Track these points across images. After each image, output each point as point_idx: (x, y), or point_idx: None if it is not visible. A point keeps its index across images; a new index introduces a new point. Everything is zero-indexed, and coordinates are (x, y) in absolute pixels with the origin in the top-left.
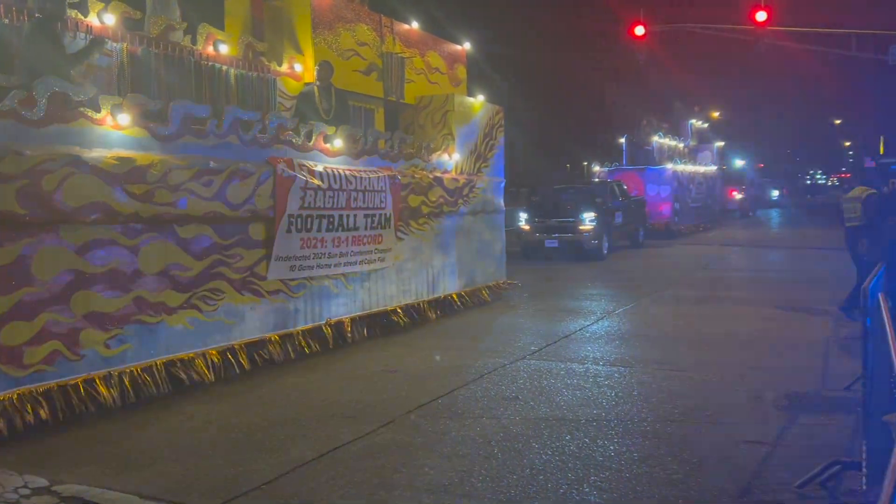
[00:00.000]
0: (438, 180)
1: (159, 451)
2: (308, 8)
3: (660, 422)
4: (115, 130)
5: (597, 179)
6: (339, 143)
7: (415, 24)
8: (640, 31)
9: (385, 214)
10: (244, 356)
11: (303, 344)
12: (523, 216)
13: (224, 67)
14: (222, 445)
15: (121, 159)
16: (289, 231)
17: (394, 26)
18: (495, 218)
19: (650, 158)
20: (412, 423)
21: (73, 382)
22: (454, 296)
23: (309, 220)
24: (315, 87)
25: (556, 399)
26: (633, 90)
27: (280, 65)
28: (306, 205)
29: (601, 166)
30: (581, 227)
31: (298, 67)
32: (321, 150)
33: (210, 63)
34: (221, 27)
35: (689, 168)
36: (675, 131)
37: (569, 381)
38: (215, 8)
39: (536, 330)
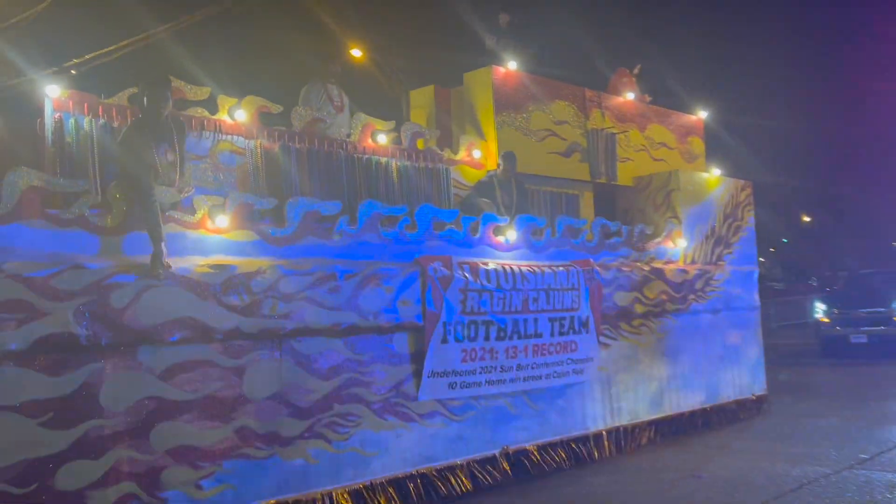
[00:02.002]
0: (658, 272)
1: None
2: (489, 90)
3: None
4: (214, 235)
5: None
6: (513, 235)
7: (630, 96)
8: None
9: (580, 317)
10: (393, 494)
11: (479, 476)
12: (821, 307)
13: (384, 160)
14: None
15: (217, 267)
16: (445, 341)
17: (602, 100)
18: (745, 316)
19: None
20: None
21: None
22: (687, 414)
23: (472, 327)
24: (494, 179)
25: None
26: None
27: (456, 152)
28: (468, 309)
29: None
30: None
31: (478, 154)
32: (491, 245)
33: (366, 156)
34: (407, 118)
35: None
36: None
37: None
38: (399, 102)
39: (861, 435)
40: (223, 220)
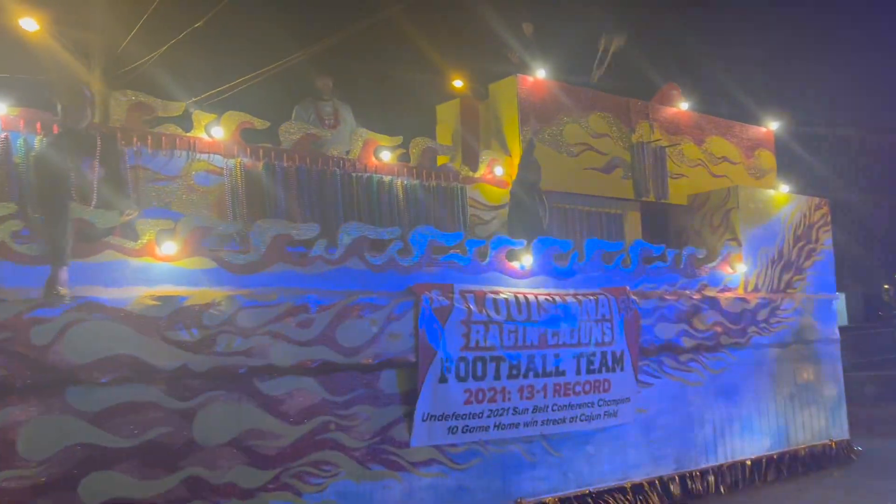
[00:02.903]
0: (710, 302)
1: None
2: (514, 100)
3: None
4: (162, 263)
5: None
6: (530, 260)
7: (684, 106)
8: None
9: (613, 352)
10: None
11: None
12: None
13: (387, 178)
14: None
15: (161, 299)
16: (444, 380)
17: (651, 111)
18: (821, 350)
19: None
20: None
21: None
22: (749, 462)
23: (479, 364)
24: (536, 195)
25: None
26: None
27: (475, 170)
28: (472, 344)
29: None
30: None
31: (500, 171)
32: (503, 271)
33: (367, 175)
34: (433, 136)
35: None
36: None
37: None
38: (427, 117)
39: None
40: (171, 247)
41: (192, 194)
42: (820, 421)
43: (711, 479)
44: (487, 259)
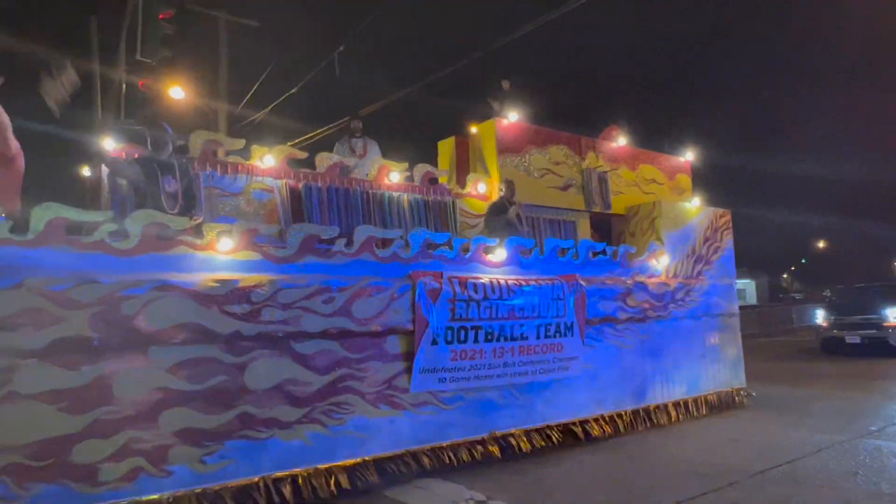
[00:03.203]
0: (640, 286)
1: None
2: (493, 137)
3: None
4: (221, 255)
5: None
6: (503, 254)
7: (622, 142)
8: None
9: (565, 322)
10: (385, 469)
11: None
12: (821, 313)
13: (396, 194)
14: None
15: (220, 281)
16: (435, 343)
17: (597, 145)
18: (725, 321)
19: None
20: (755, 485)
21: (155, 499)
22: (670, 404)
23: (462, 332)
24: (505, 201)
25: None
26: None
27: (463, 187)
28: (457, 316)
29: None
30: (886, 324)
31: (483, 188)
32: (482, 262)
33: (381, 192)
34: (435, 165)
35: None
36: None
37: None
38: (429, 150)
39: (867, 412)
40: (227, 243)
41: (250, 206)
42: (723, 374)
43: (641, 416)
44: (469, 253)
